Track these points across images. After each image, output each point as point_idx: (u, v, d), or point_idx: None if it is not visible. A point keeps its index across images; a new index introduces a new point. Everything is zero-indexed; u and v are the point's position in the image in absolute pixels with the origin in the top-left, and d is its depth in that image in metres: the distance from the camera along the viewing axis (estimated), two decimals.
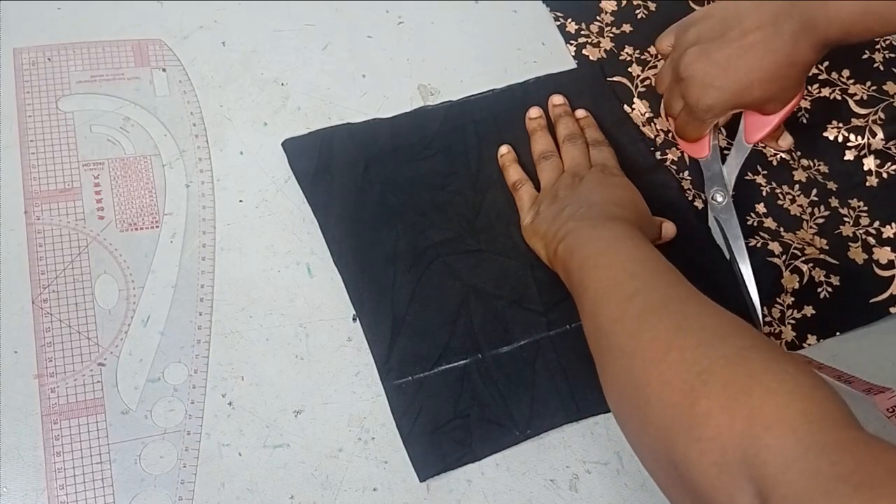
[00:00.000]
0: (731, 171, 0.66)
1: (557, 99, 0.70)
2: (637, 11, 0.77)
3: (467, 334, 0.60)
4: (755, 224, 0.67)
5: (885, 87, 0.72)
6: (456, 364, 0.59)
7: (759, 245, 0.65)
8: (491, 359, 0.59)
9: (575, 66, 0.73)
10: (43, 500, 0.52)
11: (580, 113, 0.69)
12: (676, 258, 0.63)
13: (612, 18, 0.76)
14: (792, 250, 0.65)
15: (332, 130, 0.67)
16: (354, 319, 0.60)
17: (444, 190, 0.65)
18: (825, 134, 0.71)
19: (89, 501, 0.52)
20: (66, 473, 0.53)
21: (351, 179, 0.64)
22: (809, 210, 0.68)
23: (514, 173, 0.66)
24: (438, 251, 0.62)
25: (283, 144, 0.65)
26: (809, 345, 0.62)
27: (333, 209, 0.63)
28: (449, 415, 0.57)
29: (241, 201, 0.64)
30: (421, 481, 0.55)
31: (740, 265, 0.63)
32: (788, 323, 0.63)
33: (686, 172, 0.69)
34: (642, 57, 0.74)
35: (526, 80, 0.71)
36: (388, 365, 0.58)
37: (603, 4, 0.77)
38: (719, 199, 0.65)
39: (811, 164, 0.70)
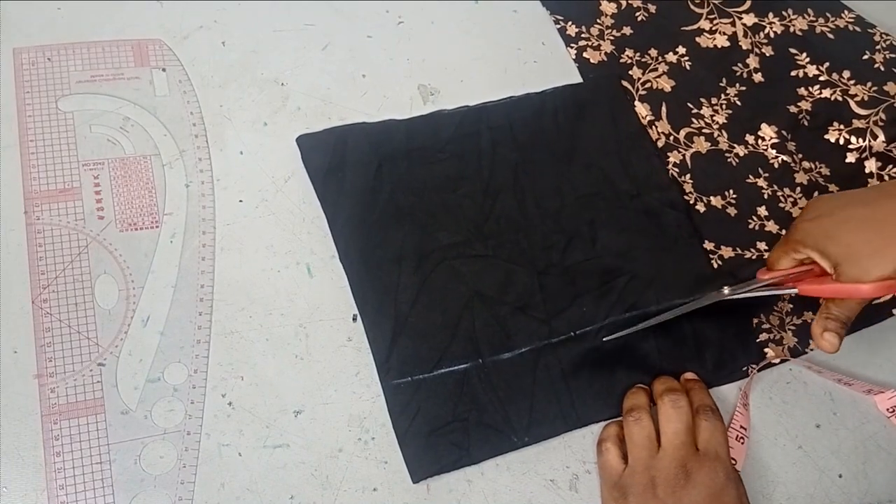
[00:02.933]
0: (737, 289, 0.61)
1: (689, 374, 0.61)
2: (637, 14, 0.77)
3: (469, 338, 0.59)
4: (757, 227, 0.67)
5: (885, 87, 0.72)
6: (456, 368, 0.58)
7: (754, 257, 0.65)
8: (491, 364, 0.59)
9: (575, 66, 0.73)
10: (43, 500, 0.52)
11: (688, 375, 0.61)
12: (672, 273, 0.63)
13: (613, 21, 0.76)
14: None
15: (348, 129, 0.67)
16: (354, 319, 0.60)
17: (455, 193, 0.65)
18: (826, 136, 0.71)
19: (89, 501, 0.52)
20: (65, 473, 0.53)
21: (363, 178, 0.64)
22: None
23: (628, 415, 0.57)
24: (445, 254, 0.62)
25: (297, 140, 0.65)
26: (812, 350, 0.62)
27: (343, 207, 0.63)
28: (447, 417, 0.57)
29: (241, 201, 0.64)
30: (414, 482, 0.55)
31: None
32: (789, 329, 0.63)
33: (688, 175, 0.69)
34: (643, 60, 0.74)
35: (544, 89, 0.71)
36: (387, 364, 0.58)
37: (603, 7, 0.77)
38: (726, 291, 0.60)
39: (812, 166, 0.70)
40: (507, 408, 0.57)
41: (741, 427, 0.58)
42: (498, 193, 0.66)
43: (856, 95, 0.72)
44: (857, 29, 0.76)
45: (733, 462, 0.56)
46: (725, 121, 0.72)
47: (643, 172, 0.68)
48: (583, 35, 0.75)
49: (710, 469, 0.53)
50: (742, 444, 0.58)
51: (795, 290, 0.58)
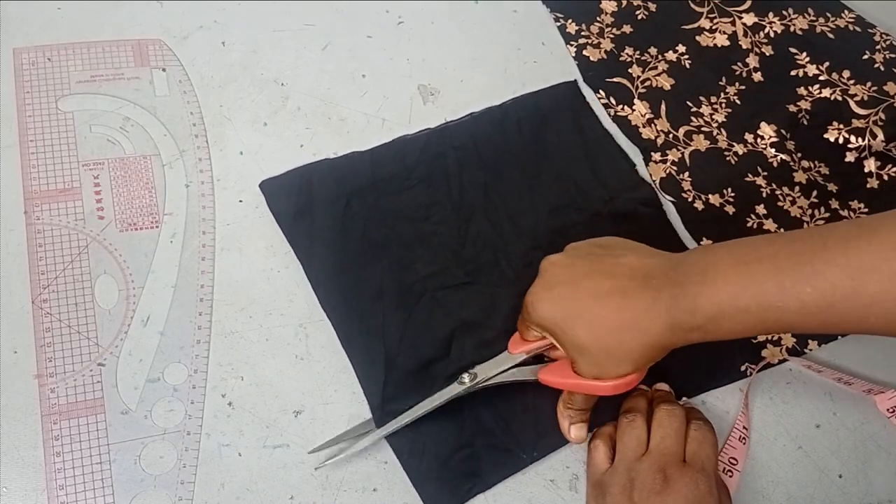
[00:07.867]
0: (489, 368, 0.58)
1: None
2: (637, 12, 0.77)
3: (461, 366, 0.58)
4: (755, 226, 0.67)
5: (885, 87, 0.72)
6: (454, 395, 0.57)
7: None
8: (491, 385, 0.57)
9: (576, 66, 0.73)
10: (43, 500, 0.52)
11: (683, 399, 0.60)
12: None
13: (613, 19, 0.76)
14: None
15: (311, 167, 0.65)
16: None
17: (428, 221, 0.64)
18: (826, 135, 0.71)
19: (89, 501, 0.52)
20: (65, 473, 0.53)
21: (332, 217, 0.63)
22: (810, 212, 0.68)
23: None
24: (426, 285, 0.61)
25: (260, 186, 0.64)
26: (811, 350, 0.62)
27: (316, 250, 0.61)
28: (454, 446, 0.56)
29: (241, 201, 0.64)
30: None
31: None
32: None
33: (687, 173, 0.69)
34: (643, 58, 0.74)
35: (504, 101, 0.70)
36: (382, 408, 0.56)
37: (603, 5, 0.77)
38: (467, 380, 0.56)
39: (811, 165, 0.70)
40: (512, 426, 0.57)
41: (743, 427, 0.58)
42: (471, 216, 0.64)
43: (855, 95, 0.72)
44: (857, 29, 0.76)
45: (733, 462, 0.56)
46: (724, 119, 0.72)
47: (613, 176, 0.68)
48: (583, 33, 0.75)
49: (692, 479, 0.51)
50: (743, 443, 0.58)
51: (535, 379, 0.56)
